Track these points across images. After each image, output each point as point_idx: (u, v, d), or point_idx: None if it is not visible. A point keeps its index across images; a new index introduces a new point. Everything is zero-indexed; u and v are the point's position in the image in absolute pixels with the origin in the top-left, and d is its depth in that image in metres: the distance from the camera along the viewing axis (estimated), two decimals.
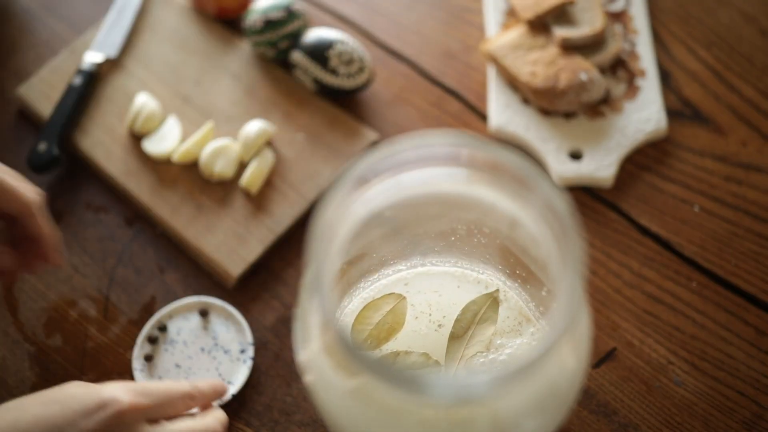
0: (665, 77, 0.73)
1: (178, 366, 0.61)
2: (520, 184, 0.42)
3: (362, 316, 0.51)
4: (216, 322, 0.62)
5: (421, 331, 0.52)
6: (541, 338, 0.51)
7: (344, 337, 0.37)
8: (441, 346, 0.51)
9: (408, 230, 0.52)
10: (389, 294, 0.52)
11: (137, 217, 0.68)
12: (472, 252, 0.53)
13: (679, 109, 0.72)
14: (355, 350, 0.37)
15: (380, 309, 0.51)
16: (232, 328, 0.62)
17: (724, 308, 0.63)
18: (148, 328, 0.62)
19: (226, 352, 0.61)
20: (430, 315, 0.52)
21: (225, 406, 0.59)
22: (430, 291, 0.53)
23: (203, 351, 0.61)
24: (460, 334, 0.51)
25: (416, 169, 0.45)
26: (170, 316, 0.62)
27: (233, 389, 0.59)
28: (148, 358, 0.61)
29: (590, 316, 0.46)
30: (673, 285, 0.64)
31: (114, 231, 0.67)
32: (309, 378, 0.45)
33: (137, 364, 0.61)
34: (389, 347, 0.51)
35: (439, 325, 0.52)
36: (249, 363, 0.60)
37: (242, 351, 0.61)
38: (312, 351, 0.44)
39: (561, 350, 0.42)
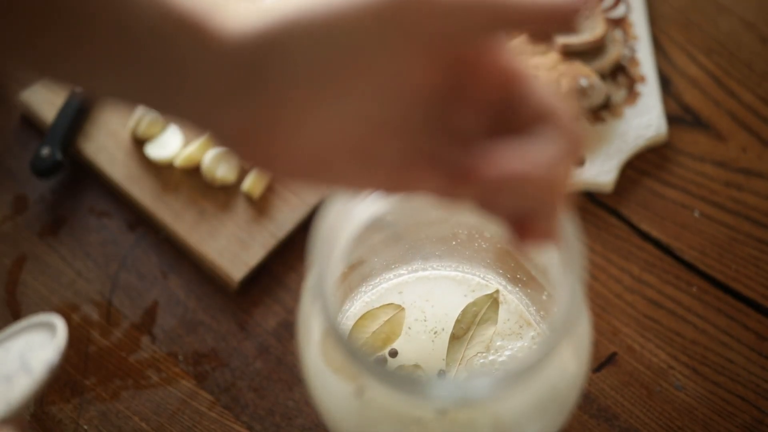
0: (665, 83, 0.74)
1: None
2: None
3: (360, 325, 0.51)
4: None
5: (419, 338, 0.52)
6: (541, 342, 0.52)
7: (346, 341, 0.38)
8: (435, 351, 0.51)
9: (409, 235, 0.52)
10: (388, 304, 0.53)
11: (140, 221, 0.68)
12: (473, 256, 0.54)
13: (679, 115, 0.72)
14: (357, 354, 0.37)
15: (378, 318, 0.52)
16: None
17: (725, 313, 0.63)
18: None
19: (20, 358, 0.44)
20: (425, 321, 0.53)
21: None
22: (429, 295, 0.53)
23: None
24: (460, 334, 0.51)
25: None
26: None
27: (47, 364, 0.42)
28: None
29: (591, 320, 0.46)
30: (673, 290, 0.64)
31: (117, 236, 0.68)
32: (310, 381, 0.45)
33: None
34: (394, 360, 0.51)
35: (435, 333, 0.52)
36: (60, 330, 0.44)
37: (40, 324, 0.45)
38: (314, 354, 0.44)
39: (562, 354, 0.42)
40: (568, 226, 0.40)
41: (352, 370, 0.39)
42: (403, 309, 0.52)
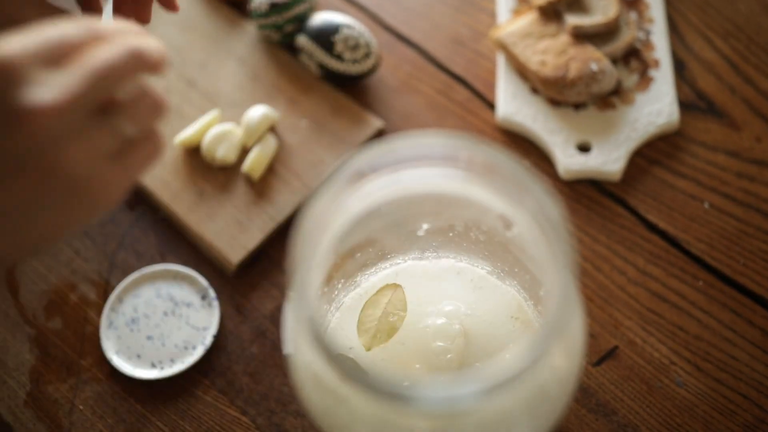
0: (680, 68, 0.71)
1: (150, 338, 0.61)
2: (514, 188, 0.41)
3: (364, 315, 0.50)
4: (165, 286, 0.63)
5: (411, 331, 0.51)
6: (530, 346, 0.51)
7: (329, 349, 0.37)
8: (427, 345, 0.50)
9: (405, 226, 0.51)
10: (384, 286, 0.52)
11: (139, 201, 0.68)
12: (471, 248, 0.53)
13: (692, 102, 0.70)
14: (339, 360, 0.36)
15: (379, 304, 0.51)
16: (183, 283, 0.63)
17: (730, 308, 0.61)
18: (104, 320, 0.62)
19: (188, 305, 0.63)
20: (419, 312, 0.52)
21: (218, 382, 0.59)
22: (424, 288, 0.52)
23: (167, 315, 0.62)
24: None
25: (413, 168, 0.44)
26: (119, 299, 0.63)
27: (212, 332, 0.61)
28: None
29: (586, 316, 0.45)
30: (678, 283, 0.63)
31: (115, 215, 0.67)
32: (295, 377, 0.44)
33: (111, 354, 0.61)
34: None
35: (428, 325, 0.51)
36: (215, 303, 0.62)
37: (203, 297, 0.63)
38: (299, 351, 0.43)
39: (552, 355, 0.41)
40: (560, 221, 0.39)
41: (335, 375, 0.38)
42: (399, 286, 0.51)
